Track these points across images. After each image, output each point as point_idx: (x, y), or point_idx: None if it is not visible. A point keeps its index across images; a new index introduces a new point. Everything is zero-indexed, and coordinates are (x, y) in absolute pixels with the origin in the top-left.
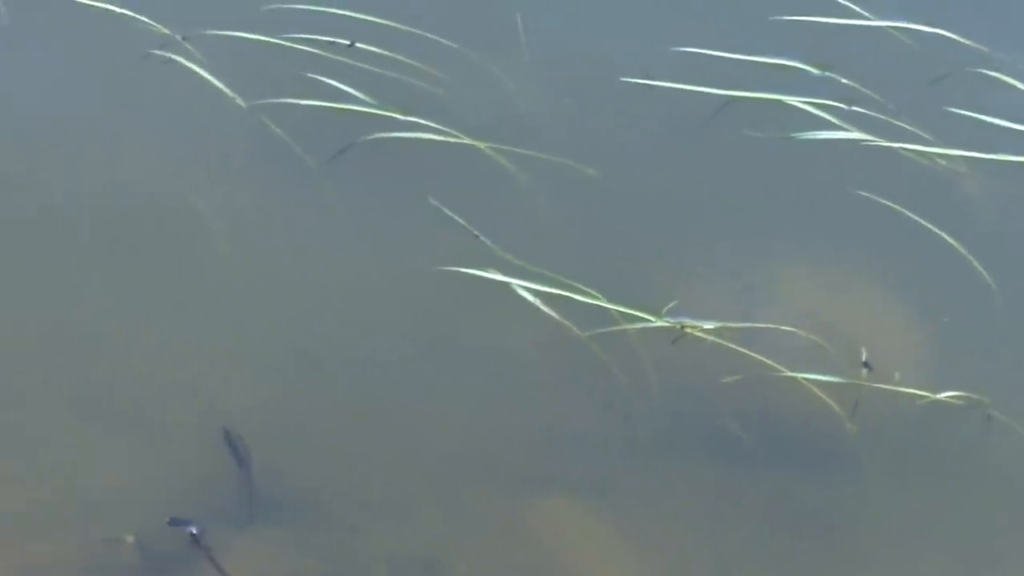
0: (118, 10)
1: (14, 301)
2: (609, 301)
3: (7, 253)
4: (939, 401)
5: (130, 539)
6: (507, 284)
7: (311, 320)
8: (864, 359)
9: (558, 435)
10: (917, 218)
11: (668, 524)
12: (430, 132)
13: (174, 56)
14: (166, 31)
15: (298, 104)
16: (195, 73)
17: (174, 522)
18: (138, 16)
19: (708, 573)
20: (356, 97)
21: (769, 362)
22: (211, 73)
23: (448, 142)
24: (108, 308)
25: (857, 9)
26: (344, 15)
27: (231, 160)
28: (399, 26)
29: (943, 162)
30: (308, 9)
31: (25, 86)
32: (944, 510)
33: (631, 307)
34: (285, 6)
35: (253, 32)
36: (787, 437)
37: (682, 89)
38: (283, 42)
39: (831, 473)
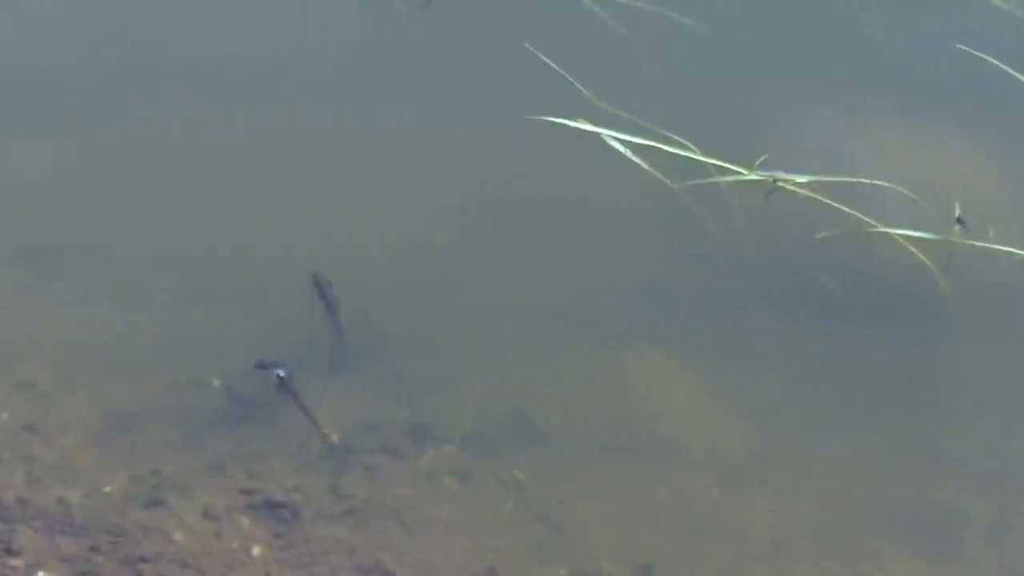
0: None
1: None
2: (702, 153)
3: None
4: None
5: (216, 382)
6: (598, 134)
7: (400, 167)
8: (958, 215)
9: (649, 287)
10: (1017, 74)
11: (758, 380)
12: None
13: None
14: None
15: None
16: None
17: (261, 365)
18: None
19: (797, 431)
20: None
21: (863, 217)
22: None
23: None
24: (200, 152)
25: None
26: None
27: (324, 4)
28: None
29: None
30: None
31: None
32: None
33: (724, 159)
34: None
35: None
36: (880, 294)
37: None
38: None
39: (923, 331)
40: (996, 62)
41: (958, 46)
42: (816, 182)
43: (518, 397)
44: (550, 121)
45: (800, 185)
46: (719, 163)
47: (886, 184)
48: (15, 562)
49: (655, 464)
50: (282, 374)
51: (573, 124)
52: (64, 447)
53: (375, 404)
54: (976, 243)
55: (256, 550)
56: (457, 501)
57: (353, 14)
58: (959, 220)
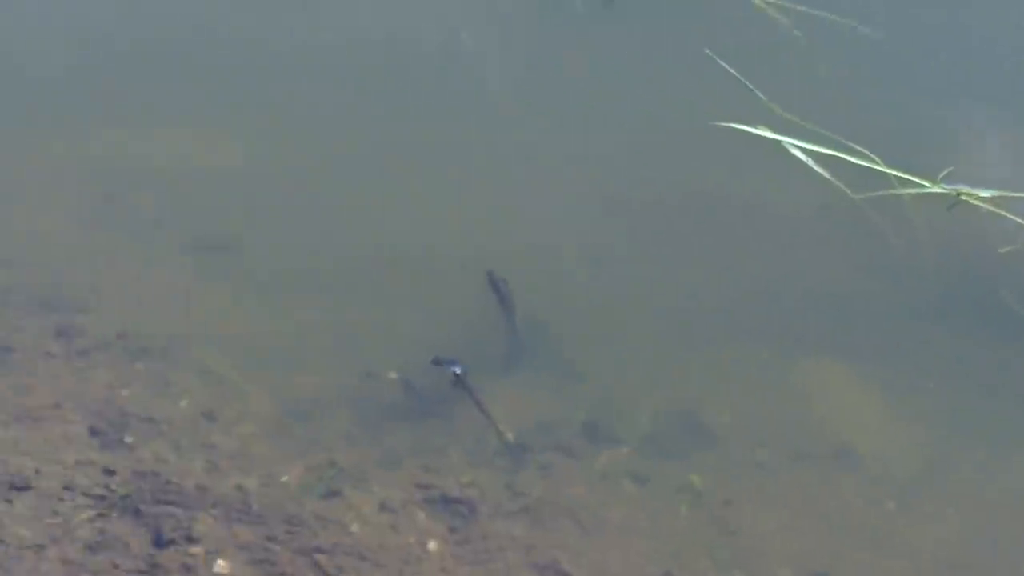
0: None
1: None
2: (885, 164)
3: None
4: None
5: (393, 375)
6: (779, 142)
7: (579, 169)
8: None
9: (827, 297)
10: None
11: (934, 393)
12: None
13: None
14: None
15: None
16: None
17: (437, 361)
18: None
19: (974, 444)
20: None
21: None
22: None
23: None
24: (380, 149)
25: None
26: None
27: (505, 3)
28: None
29: None
30: None
31: None
32: None
33: (907, 171)
34: None
35: None
36: None
37: None
38: None
39: None
40: None
41: None
42: (1001, 196)
43: (693, 401)
44: (731, 127)
45: (984, 199)
46: (902, 175)
47: None
48: (195, 549)
49: (830, 473)
50: (458, 371)
51: (754, 131)
52: (242, 436)
53: (550, 403)
54: None
55: (432, 545)
56: (633, 503)
57: (533, 15)
58: None
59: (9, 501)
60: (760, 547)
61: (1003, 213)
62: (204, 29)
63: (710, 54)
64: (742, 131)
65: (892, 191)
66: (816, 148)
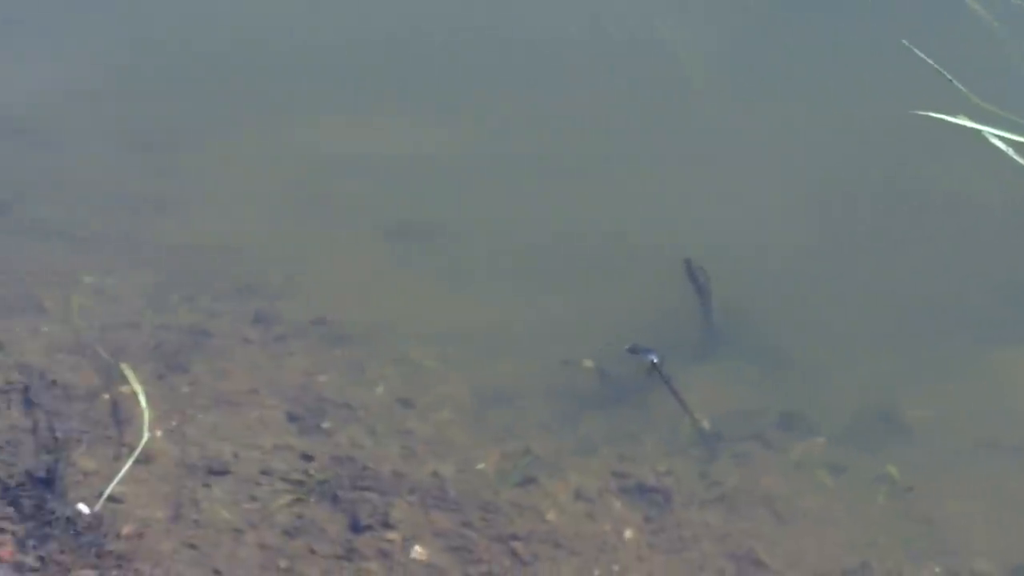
0: None
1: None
2: None
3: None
4: None
5: (589, 363)
6: (978, 131)
7: (776, 159)
8: None
9: None
10: None
11: None
12: None
13: None
14: None
15: None
16: None
17: (634, 349)
18: None
19: None
20: None
21: None
22: None
23: None
24: (574, 134)
25: None
26: None
27: None
28: None
29: None
30: None
31: None
32: None
33: None
34: None
35: None
36: None
37: None
38: None
39: None
40: None
41: None
42: None
43: (890, 392)
44: (930, 117)
45: None
46: None
47: None
48: (391, 535)
49: None
50: (655, 359)
51: (954, 120)
52: (439, 422)
53: (745, 392)
54: None
55: (628, 533)
56: (829, 493)
57: (727, 3)
58: None
59: (207, 485)
60: (958, 538)
61: None
62: (406, 17)
63: (907, 44)
64: (941, 121)
65: None
66: (1016, 138)
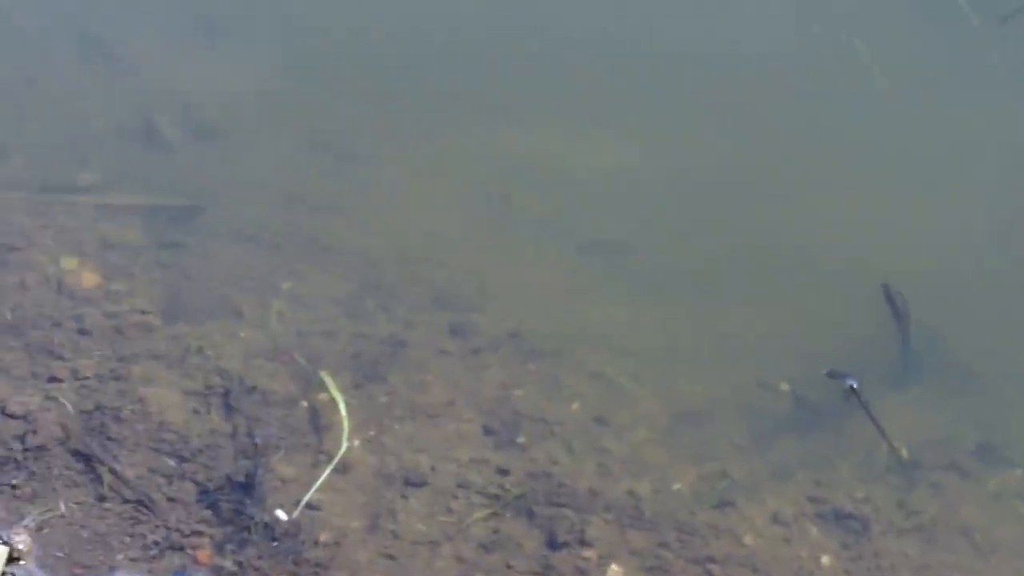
0: None
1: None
2: None
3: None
4: None
5: (785, 387)
6: None
7: (978, 185)
8: None
9: None
10: None
11: None
12: None
13: None
14: None
15: None
16: None
17: (832, 374)
18: None
19: None
20: None
21: None
22: None
23: None
24: (770, 151)
25: None
26: None
27: (897, 10)
28: None
29: None
30: None
31: None
32: None
33: None
34: None
35: None
36: None
37: None
38: None
39: None
40: None
41: None
42: None
43: None
44: None
45: None
46: None
47: None
48: (588, 553)
49: None
50: (853, 384)
51: None
52: (634, 441)
53: (942, 420)
54: None
55: (825, 559)
56: None
57: (928, 26)
58: None
59: (405, 497)
60: None
61: None
62: (598, 31)
63: None
64: None
65: None
66: None
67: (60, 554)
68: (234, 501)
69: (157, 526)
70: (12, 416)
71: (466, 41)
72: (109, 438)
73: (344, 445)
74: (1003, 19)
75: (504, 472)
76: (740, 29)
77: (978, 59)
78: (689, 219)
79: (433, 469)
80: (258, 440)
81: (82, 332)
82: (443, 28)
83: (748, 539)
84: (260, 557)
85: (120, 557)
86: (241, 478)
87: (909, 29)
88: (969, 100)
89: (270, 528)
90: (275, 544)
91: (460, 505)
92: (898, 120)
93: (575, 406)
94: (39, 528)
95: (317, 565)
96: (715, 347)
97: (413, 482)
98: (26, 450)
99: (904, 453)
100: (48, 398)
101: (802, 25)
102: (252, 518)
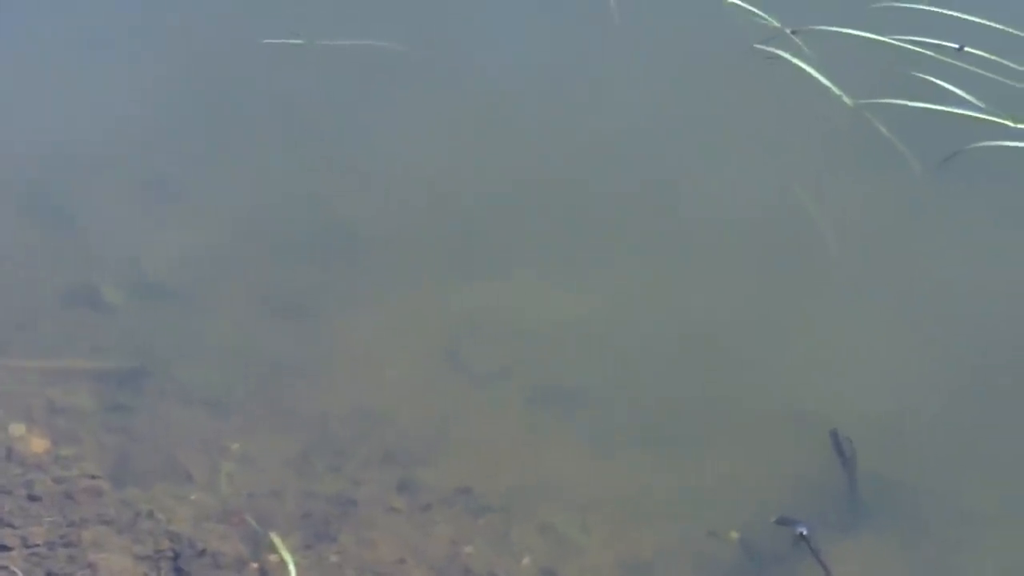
0: None
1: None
2: None
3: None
4: None
5: (735, 535)
6: None
7: (926, 331)
8: None
9: None
10: None
11: None
12: None
13: (779, 51)
14: (776, 24)
15: (906, 106)
16: (801, 69)
17: (782, 521)
18: (749, 7)
19: None
20: (965, 101)
21: None
22: (817, 70)
23: None
24: (723, 303)
25: None
26: (951, 16)
27: (836, 159)
28: (1010, 30)
29: None
30: (915, 8)
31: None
32: None
33: None
34: (893, 4)
35: (860, 29)
36: None
37: None
38: (890, 40)
39: None
40: None
41: None
42: None
43: None
44: None
45: None
46: None
47: None
48: None
49: None
50: (804, 531)
51: None
52: None
53: (891, 566)
54: None
55: None
56: None
57: (864, 168)
58: None
59: None
60: None
61: None
62: (543, 180)
63: None
64: None
65: None
66: None
67: None
68: None
69: None
70: None
71: (417, 197)
72: None
73: None
74: (940, 164)
75: None
76: (695, 183)
77: (923, 206)
78: (640, 370)
79: None
80: None
81: (32, 498)
82: (395, 186)
83: None
84: None
85: None
86: None
87: (847, 176)
88: (915, 247)
89: None
90: None
91: None
92: (845, 272)
93: (525, 560)
94: None
95: None
96: (665, 497)
97: None
98: None
99: None
100: None
101: (750, 177)
102: None
